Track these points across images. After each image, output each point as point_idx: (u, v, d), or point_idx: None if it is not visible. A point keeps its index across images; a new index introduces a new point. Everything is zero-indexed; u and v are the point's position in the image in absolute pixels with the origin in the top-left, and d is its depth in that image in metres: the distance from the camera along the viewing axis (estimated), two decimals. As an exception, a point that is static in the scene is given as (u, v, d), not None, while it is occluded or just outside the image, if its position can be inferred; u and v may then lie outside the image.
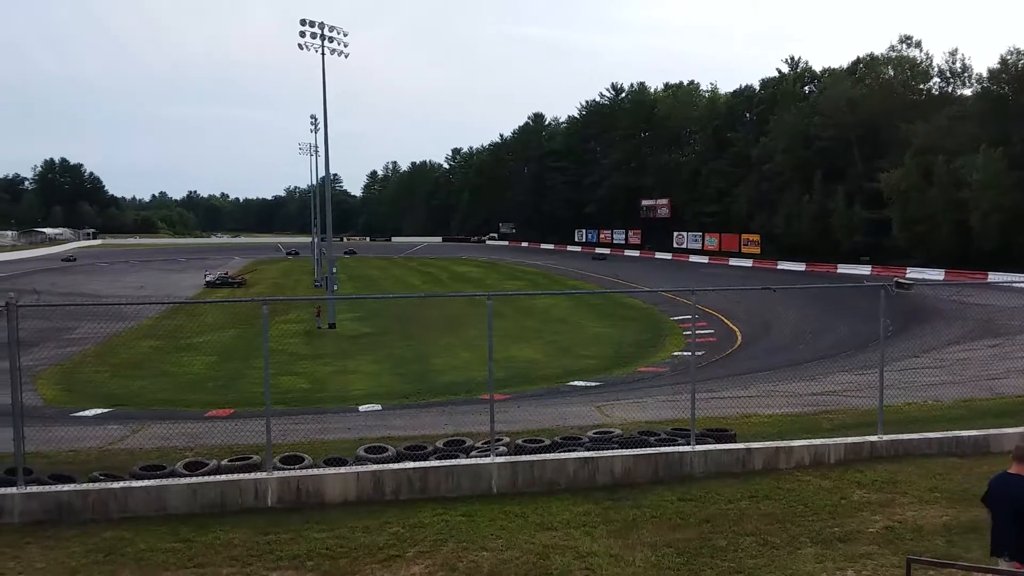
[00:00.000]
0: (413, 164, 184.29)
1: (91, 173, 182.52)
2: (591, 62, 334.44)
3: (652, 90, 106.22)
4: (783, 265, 68.54)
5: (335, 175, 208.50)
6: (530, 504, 7.80)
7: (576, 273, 73.31)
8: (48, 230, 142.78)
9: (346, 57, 44.77)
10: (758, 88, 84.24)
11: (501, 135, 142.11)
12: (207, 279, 66.35)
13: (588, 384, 24.87)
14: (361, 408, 20.33)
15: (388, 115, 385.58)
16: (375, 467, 8.28)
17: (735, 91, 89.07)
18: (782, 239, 72.11)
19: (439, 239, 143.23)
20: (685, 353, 30.44)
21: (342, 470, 8.22)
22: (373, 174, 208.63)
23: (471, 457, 8.70)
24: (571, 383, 25.17)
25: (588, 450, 8.98)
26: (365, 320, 42.37)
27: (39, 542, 6.86)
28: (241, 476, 7.99)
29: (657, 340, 34.96)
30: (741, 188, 79.79)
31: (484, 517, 7.40)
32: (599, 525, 7.23)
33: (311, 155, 75.88)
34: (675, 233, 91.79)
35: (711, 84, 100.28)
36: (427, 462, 8.46)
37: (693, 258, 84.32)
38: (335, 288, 47.85)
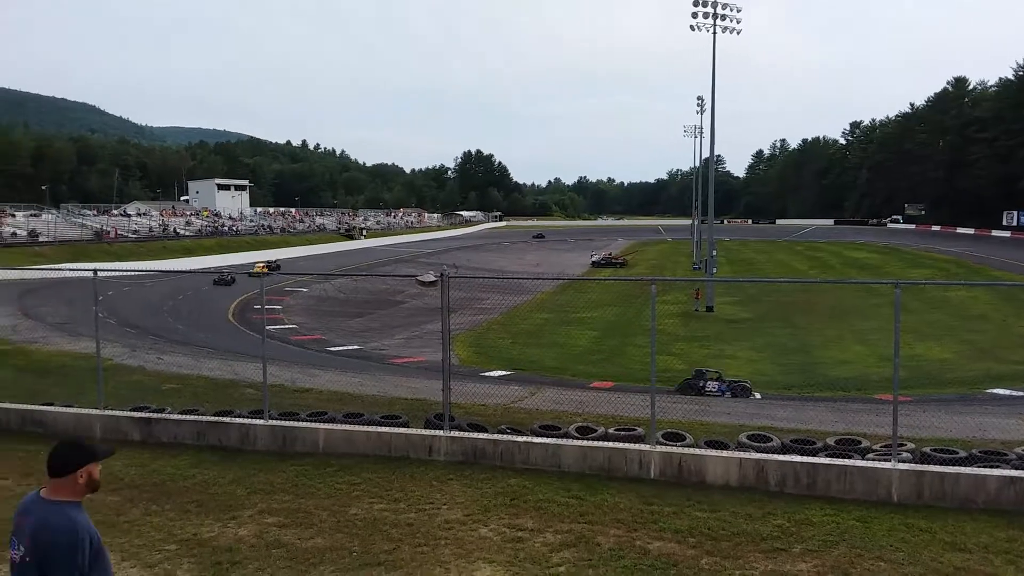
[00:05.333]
0: (804, 141, 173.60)
1: (499, 163, 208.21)
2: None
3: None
4: None
5: (718, 156, 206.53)
6: (938, 520, 6.89)
7: (1002, 262, 62.12)
8: (464, 213, 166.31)
9: (738, 34, 43.78)
10: None
11: (911, 104, 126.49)
12: (593, 259, 71.08)
13: (1016, 393, 21.04)
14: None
15: (776, 92, 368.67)
16: (759, 455, 8.03)
17: None
18: None
19: (830, 222, 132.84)
20: None
21: (724, 453, 8.14)
22: (758, 153, 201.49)
23: (867, 460, 7.93)
24: (991, 390, 21.56)
25: (1016, 468, 7.58)
26: (744, 304, 41.32)
27: (459, 480, 8.02)
28: (627, 445, 8.39)
29: (1118, 347, 28.12)
30: None
31: (881, 526, 6.73)
32: (1031, 558, 6.08)
33: (695, 137, 76.22)
34: None
35: None
36: (816, 458, 7.93)
37: None
38: (714, 271, 47.44)
